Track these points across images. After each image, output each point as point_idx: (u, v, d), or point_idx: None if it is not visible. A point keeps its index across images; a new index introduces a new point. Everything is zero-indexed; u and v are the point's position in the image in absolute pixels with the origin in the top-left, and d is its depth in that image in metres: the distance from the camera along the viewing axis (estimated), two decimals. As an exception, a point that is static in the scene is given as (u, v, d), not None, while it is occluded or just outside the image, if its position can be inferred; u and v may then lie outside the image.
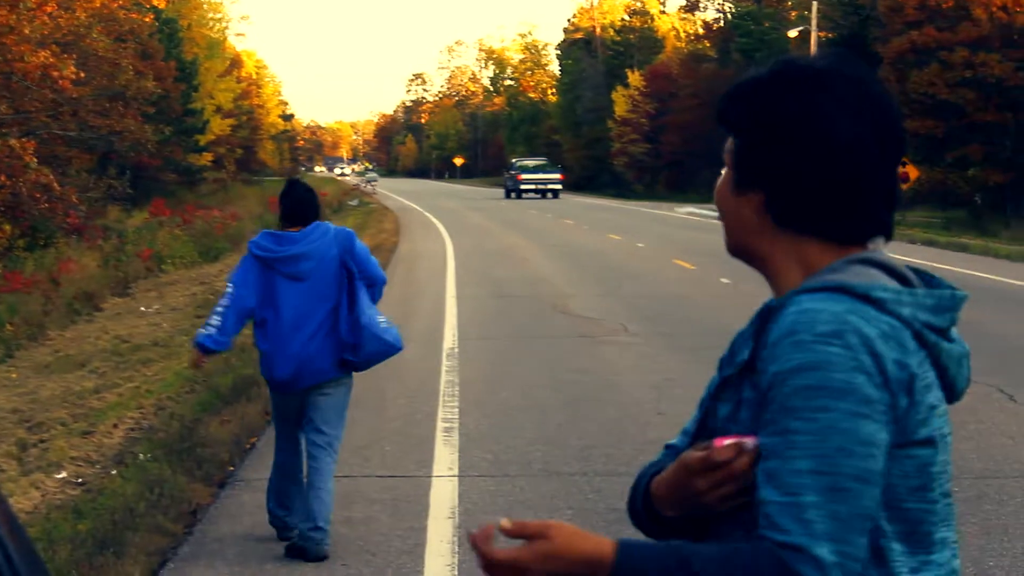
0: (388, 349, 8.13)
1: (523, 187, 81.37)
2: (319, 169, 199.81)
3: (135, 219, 45.60)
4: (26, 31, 31.33)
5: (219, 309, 8.05)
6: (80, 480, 9.76)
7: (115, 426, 11.76)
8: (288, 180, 8.91)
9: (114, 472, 9.74)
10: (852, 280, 2.19)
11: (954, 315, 2.24)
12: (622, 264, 30.00)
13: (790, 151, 2.25)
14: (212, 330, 7.96)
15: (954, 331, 2.26)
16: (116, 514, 8.40)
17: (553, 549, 2.11)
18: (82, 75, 34.10)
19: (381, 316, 8.15)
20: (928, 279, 2.30)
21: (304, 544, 7.90)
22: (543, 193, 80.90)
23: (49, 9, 34.14)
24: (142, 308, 24.12)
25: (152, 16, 49.74)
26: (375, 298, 8.22)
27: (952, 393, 2.26)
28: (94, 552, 7.63)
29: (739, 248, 2.37)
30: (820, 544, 1.99)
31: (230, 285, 8.14)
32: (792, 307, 2.15)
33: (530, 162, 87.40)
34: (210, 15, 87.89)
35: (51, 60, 31.40)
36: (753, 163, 2.31)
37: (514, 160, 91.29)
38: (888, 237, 2.32)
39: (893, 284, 2.21)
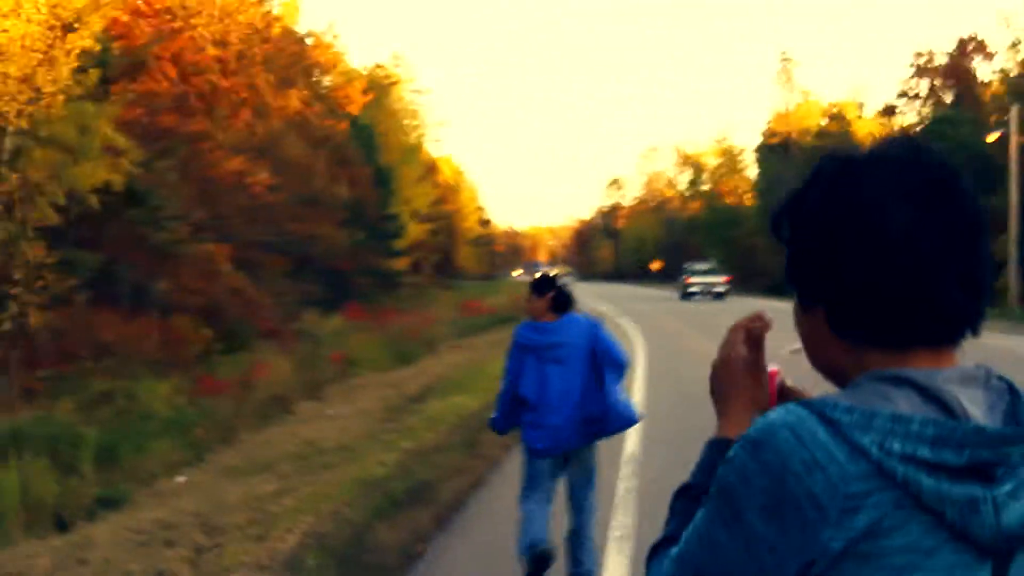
0: (628, 422, 9.53)
1: (690, 289, 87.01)
2: (516, 273, 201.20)
3: (331, 323, 46.22)
4: (220, 138, 32.12)
5: (501, 396, 9.58)
6: (249, 586, 9.69)
7: (289, 531, 11.69)
8: (546, 276, 10.03)
9: (283, 578, 9.67)
10: (833, 397, 1.97)
11: (978, 452, 1.89)
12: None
13: (834, 254, 2.02)
14: (500, 417, 9.61)
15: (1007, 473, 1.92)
16: (276, 622, 8.30)
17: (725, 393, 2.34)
18: (275, 180, 34.84)
19: (621, 394, 9.53)
20: (1015, 406, 2.00)
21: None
22: (709, 294, 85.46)
23: (244, 117, 34.99)
24: (330, 412, 24.29)
25: (347, 123, 50.71)
26: (618, 378, 9.54)
27: (974, 543, 1.90)
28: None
29: (817, 366, 2.16)
30: None
31: (506, 375, 9.53)
32: None
33: (700, 266, 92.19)
34: (406, 121, 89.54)
35: (245, 166, 32.14)
36: (802, 275, 2.11)
37: (685, 265, 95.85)
38: (971, 334, 2.04)
39: (900, 408, 1.92)
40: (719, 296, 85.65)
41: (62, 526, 15.50)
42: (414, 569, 10.38)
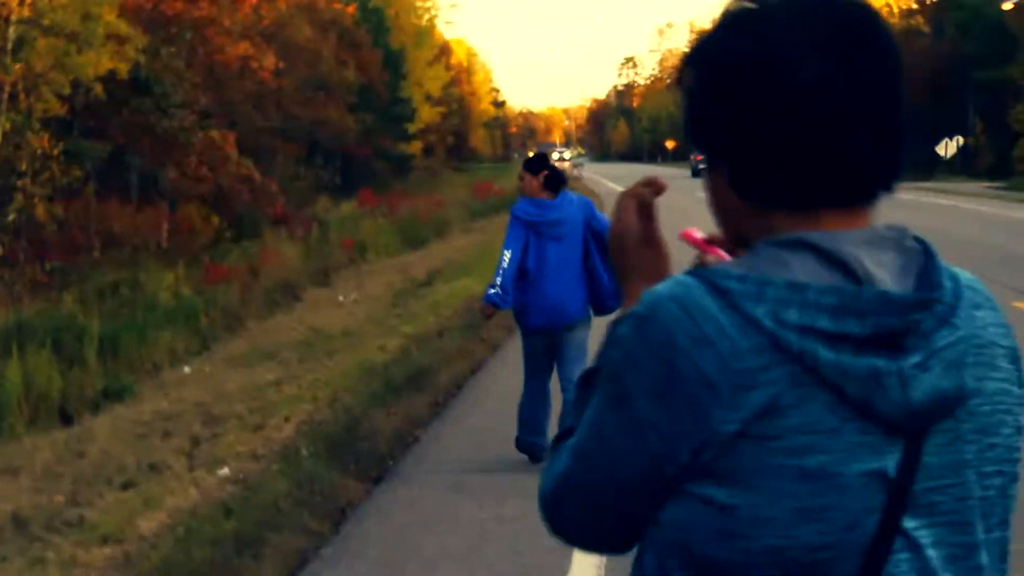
0: None
1: (700, 165, 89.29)
2: (530, 155, 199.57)
3: (343, 209, 46.09)
4: (226, 23, 31.85)
5: (501, 271, 9.47)
6: (241, 476, 9.64)
7: (287, 420, 11.62)
8: (539, 155, 10.35)
9: (275, 468, 9.61)
10: (725, 265, 1.78)
11: (883, 320, 1.70)
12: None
13: (739, 104, 1.81)
14: (498, 290, 9.44)
15: (922, 344, 1.72)
16: (263, 513, 8.25)
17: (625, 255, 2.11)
18: (282, 65, 34.56)
19: None
20: (928, 270, 1.79)
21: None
22: None
23: (250, 1, 34.67)
24: (340, 298, 24.24)
25: (355, 6, 50.26)
26: None
27: (880, 420, 1.70)
28: (232, 554, 7.47)
29: (725, 232, 1.96)
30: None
31: (506, 251, 9.48)
32: None
33: None
34: (418, 4, 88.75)
35: (251, 51, 31.87)
36: (705, 128, 1.89)
37: None
38: (885, 192, 1.85)
39: (797, 275, 1.72)
40: None
41: (67, 419, 15.52)
42: (407, 456, 10.34)
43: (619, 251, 2.12)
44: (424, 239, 36.68)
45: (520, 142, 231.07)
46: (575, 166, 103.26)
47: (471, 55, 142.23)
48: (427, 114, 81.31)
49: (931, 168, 72.37)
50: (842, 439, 1.69)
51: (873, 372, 1.68)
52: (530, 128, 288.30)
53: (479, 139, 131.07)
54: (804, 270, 1.73)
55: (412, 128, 73.74)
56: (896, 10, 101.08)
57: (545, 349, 9.73)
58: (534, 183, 9.70)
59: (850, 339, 1.68)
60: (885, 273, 1.75)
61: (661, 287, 1.77)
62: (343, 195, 50.01)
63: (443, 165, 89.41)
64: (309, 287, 26.57)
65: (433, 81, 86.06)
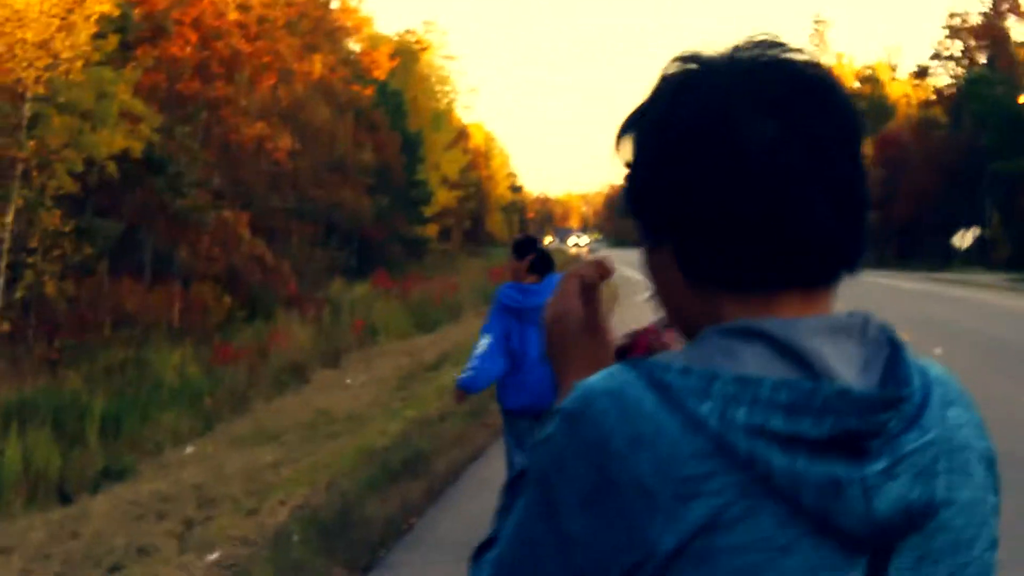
0: None
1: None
2: (548, 240, 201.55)
3: (357, 290, 46.08)
4: (243, 103, 32.01)
5: (477, 355, 9.20)
6: (230, 562, 9.49)
7: (281, 503, 11.50)
8: (527, 238, 9.98)
9: (264, 554, 9.46)
10: (668, 356, 1.57)
11: (844, 421, 1.49)
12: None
13: (681, 174, 1.62)
14: (471, 373, 9.15)
15: (883, 446, 1.51)
16: (247, 601, 8.10)
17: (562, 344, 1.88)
18: (298, 147, 34.71)
19: None
20: (894, 364, 1.59)
21: None
22: None
23: (267, 82, 34.84)
24: (347, 380, 24.15)
25: (372, 89, 50.49)
26: None
27: (841, 536, 1.50)
28: (210, 644, 7.32)
29: (671, 319, 1.74)
30: None
31: (485, 336, 9.26)
32: None
33: None
34: (437, 88, 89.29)
35: (266, 132, 32.01)
36: (646, 202, 1.70)
37: None
38: (848, 273, 1.67)
39: (748, 368, 1.52)
40: None
41: (65, 498, 15.40)
42: (400, 544, 10.17)
43: (557, 336, 1.89)
44: (437, 322, 36.61)
45: (537, 227, 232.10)
46: (592, 251, 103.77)
47: (489, 140, 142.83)
48: (444, 197, 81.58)
49: (947, 259, 72.31)
50: (797, 558, 1.49)
51: (832, 480, 1.48)
52: (548, 213, 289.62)
53: (496, 223, 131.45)
54: (756, 362, 1.54)
55: (428, 211, 73.98)
56: (914, 101, 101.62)
57: (527, 430, 9.45)
58: (520, 267, 9.44)
59: (806, 442, 1.49)
60: (848, 366, 1.57)
61: (594, 380, 1.57)
62: (359, 276, 50.02)
63: (459, 248, 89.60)
64: (318, 368, 26.51)
65: (450, 164, 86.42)
